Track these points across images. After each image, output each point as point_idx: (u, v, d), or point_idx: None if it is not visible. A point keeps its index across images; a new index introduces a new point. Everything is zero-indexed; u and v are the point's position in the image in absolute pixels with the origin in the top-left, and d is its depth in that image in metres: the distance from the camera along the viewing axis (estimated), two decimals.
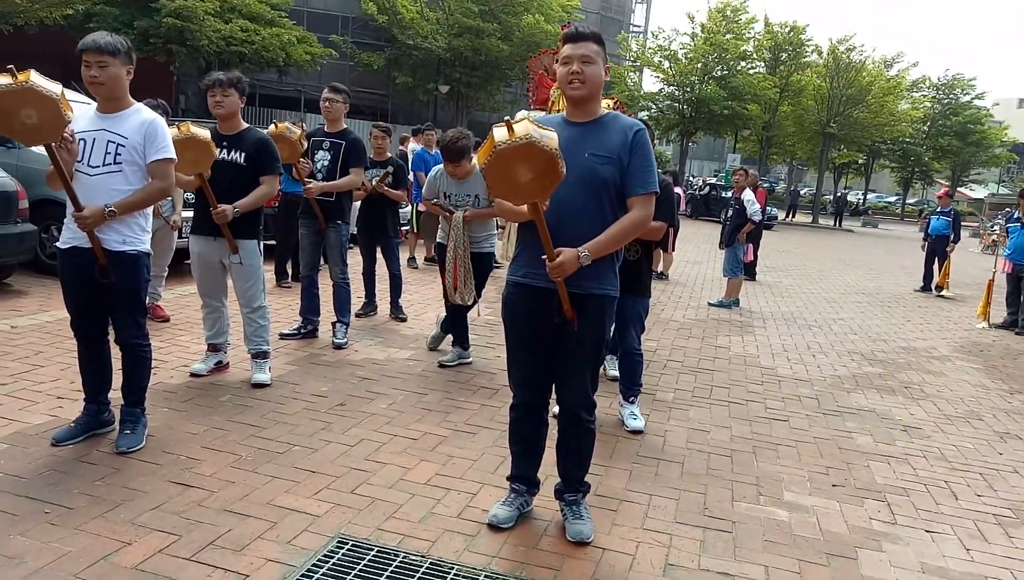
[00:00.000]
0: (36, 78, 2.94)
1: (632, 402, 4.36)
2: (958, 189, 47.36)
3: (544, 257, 2.65)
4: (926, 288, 12.39)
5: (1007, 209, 38.37)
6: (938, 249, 12.21)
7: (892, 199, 57.12)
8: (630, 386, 4.36)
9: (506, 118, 2.51)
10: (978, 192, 49.83)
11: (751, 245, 9.35)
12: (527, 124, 2.49)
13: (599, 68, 2.76)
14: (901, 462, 4.17)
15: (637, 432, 4.21)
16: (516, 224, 8.10)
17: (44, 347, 4.78)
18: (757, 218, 9.10)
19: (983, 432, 4.87)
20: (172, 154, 3.40)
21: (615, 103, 9.59)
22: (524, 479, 3.09)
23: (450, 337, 5.48)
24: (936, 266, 12.30)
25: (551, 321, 2.81)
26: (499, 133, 2.47)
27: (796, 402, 5.18)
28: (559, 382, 2.95)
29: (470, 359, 5.39)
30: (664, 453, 3.98)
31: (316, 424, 3.93)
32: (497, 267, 10.39)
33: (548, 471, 3.22)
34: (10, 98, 2.89)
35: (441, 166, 5.29)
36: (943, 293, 12.07)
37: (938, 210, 12.66)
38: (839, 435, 4.54)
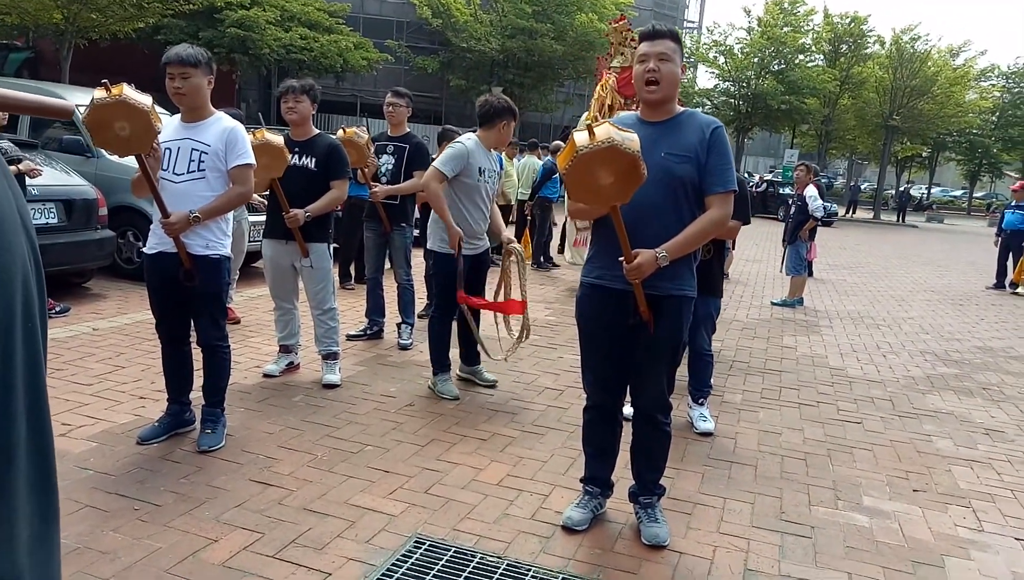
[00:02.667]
0: (129, 91, 3.05)
1: (702, 404, 4.30)
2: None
3: (621, 258, 2.64)
4: (999, 285, 11.93)
5: None
6: (1013, 244, 11.73)
7: (958, 193, 55.21)
8: (699, 387, 4.30)
9: (587, 122, 2.51)
10: (1018, 182, 47.91)
11: (814, 242, 9.13)
12: (608, 127, 2.48)
13: (676, 66, 2.74)
14: (985, 467, 4.02)
15: (707, 434, 4.16)
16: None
17: (125, 349, 4.96)
18: (820, 214, 8.88)
19: None
20: (252, 160, 3.50)
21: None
22: (598, 481, 3.08)
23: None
24: (1011, 262, 11.82)
25: (626, 322, 2.79)
26: (580, 137, 2.47)
27: (869, 404, 5.04)
28: (634, 384, 2.94)
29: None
30: (736, 456, 3.92)
31: (387, 424, 3.98)
32: (555, 267, 10.41)
33: (621, 473, 3.21)
34: (105, 111, 3.01)
35: (474, 137, 4.56)
36: (1018, 290, 11.59)
37: (1013, 204, 12.16)
38: (917, 438, 4.40)
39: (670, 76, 2.73)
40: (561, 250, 10.70)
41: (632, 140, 2.47)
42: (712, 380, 4.46)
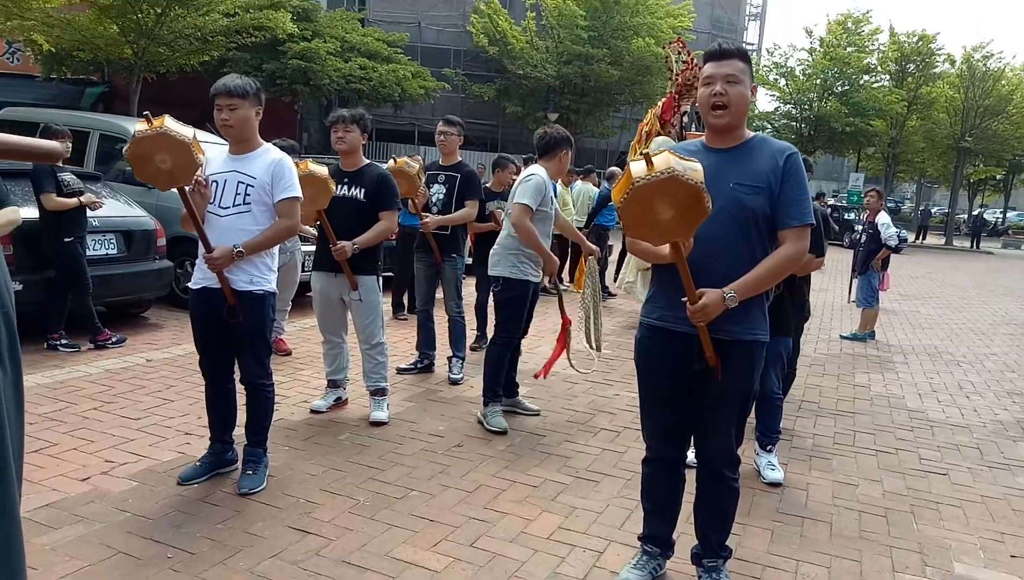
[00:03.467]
0: (170, 123, 3.00)
1: (770, 451, 4.01)
2: None
3: (684, 299, 2.42)
4: None
5: None
6: None
7: None
8: (767, 433, 4.01)
9: (644, 150, 2.30)
10: None
11: (887, 273, 8.66)
12: (668, 156, 2.27)
13: (745, 88, 2.52)
14: None
15: (776, 484, 3.86)
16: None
17: (175, 381, 4.92)
18: (893, 243, 8.43)
19: None
20: (299, 193, 3.41)
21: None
22: (657, 540, 2.84)
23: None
24: None
25: (691, 368, 2.56)
26: (637, 167, 2.26)
27: (954, 452, 4.64)
28: (700, 436, 2.70)
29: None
30: (808, 510, 3.61)
31: (434, 467, 3.81)
32: (611, 297, 10.15)
33: (682, 528, 2.96)
34: (146, 143, 2.96)
35: (543, 171, 4.48)
36: None
37: None
38: (1011, 494, 4.01)
39: (739, 99, 2.51)
40: (615, 279, 10.43)
41: (695, 170, 2.26)
42: (781, 424, 4.16)
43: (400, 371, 5.53)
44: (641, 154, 2.26)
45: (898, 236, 8.62)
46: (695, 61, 8.13)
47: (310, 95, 23.05)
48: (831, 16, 31.58)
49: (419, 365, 5.66)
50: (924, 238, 33.28)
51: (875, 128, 30.05)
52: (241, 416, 3.59)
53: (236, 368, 3.53)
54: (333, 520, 3.15)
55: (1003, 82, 30.34)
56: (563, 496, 3.57)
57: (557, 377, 5.78)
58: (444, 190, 5.51)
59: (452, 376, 5.45)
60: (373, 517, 3.20)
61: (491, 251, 4.60)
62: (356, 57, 23.14)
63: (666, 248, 2.41)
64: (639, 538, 2.90)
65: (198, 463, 3.49)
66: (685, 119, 8.30)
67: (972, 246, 31.86)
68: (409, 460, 3.88)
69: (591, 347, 4.92)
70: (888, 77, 32.16)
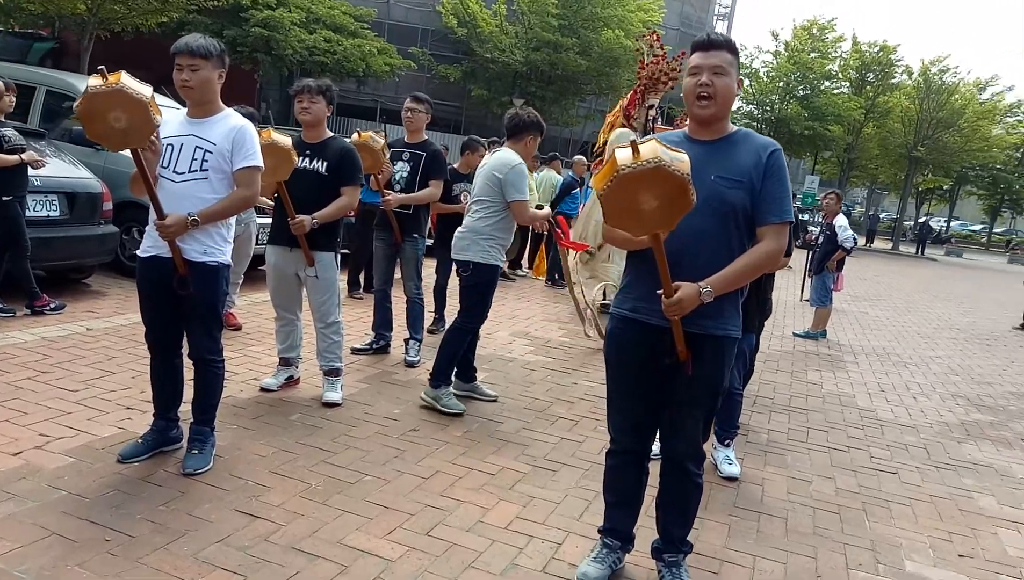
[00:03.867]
0: (127, 80, 2.81)
1: (727, 445, 4.00)
2: None
3: (659, 291, 2.36)
4: None
5: None
6: None
7: (977, 227, 54.51)
8: (726, 428, 4.00)
9: (631, 138, 2.22)
10: None
11: (841, 274, 8.80)
12: (655, 145, 2.19)
13: (732, 80, 2.45)
14: None
15: (732, 479, 3.86)
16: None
17: (117, 352, 4.71)
18: (849, 245, 8.57)
19: None
20: (260, 162, 3.25)
21: (680, 119, 9.26)
22: (618, 534, 2.79)
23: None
24: None
25: (662, 362, 2.51)
26: (622, 155, 2.18)
27: (903, 451, 4.72)
28: (666, 430, 2.65)
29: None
30: (764, 506, 3.61)
31: (388, 451, 3.71)
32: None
33: (640, 522, 2.91)
34: (100, 100, 2.77)
35: (516, 155, 4.40)
36: None
37: None
38: (957, 494, 4.08)
39: (725, 91, 2.44)
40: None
41: (682, 161, 2.19)
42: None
43: (355, 351, 5.39)
44: (629, 141, 2.19)
45: (853, 239, 8.76)
46: (666, 55, 8.12)
47: (271, 64, 22.50)
48: (797, 21, 32.12)
49: (375, 346, 5.52)
50: (872, 242, 34.16)
51: (833, 133, 30.67)
52: (188, 392, 3.43)
53: (184, 342, 3.36)
54: (283, 504, 3.02)
55: (956, 96, 31.20)
56: (521, 485, 3.50)
57: (515, 363, 5.71)
58: (408, 168, 5.37)
59: (408, 358, 5.34)
60: (325, 502, 3.09)
61: (457, 235, 4.45)
62: (321, 29, 22.65)
63: (643, 237, 2.34)
64: (599, 531, 2.85)
65: (140, 440, 3.31)
66: (652, 112, 8.27)
67: (917, 252, 32.82)
68: (363, 443, 3.77)
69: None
70: (848, 84, 32.82)
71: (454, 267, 5.27)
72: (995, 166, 38.05)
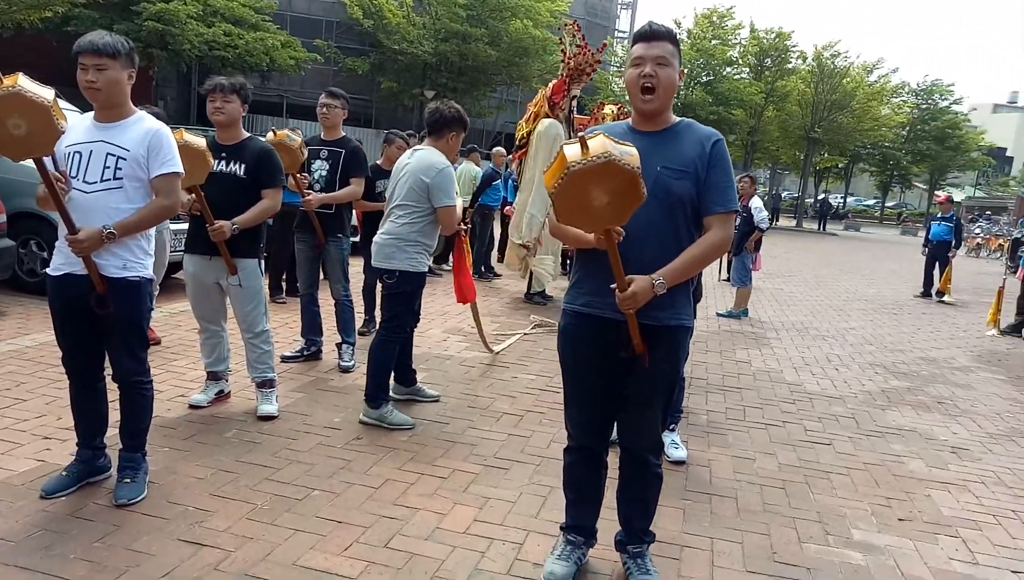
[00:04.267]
0: (25, 82, 2.57)
1: (673, 430, 4.05)
2: (935, 193, 47.87)
3: (613, 286, 2.33)
4: (926, 294, 12.24)
5: (987, 212, 38.89)
6: (939, 254, 12.05)
7: (870, 202, 57.55)
8: (671, 413, 4.04)
9: (580, 134, 2.18)
10: (955, 196, 50.49)
11: (759, 254, 9.10)
12: (603, 139, 2.16)
13: (674, 71, 2.45)
14: (961, 489, 3.90)
15: (680, 463, 3.90)
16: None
17: (26, 377, 4.37)
18: (765, 226, 8.86)
19: None
20: (180, 168, 3.04)
21: (619, 108, 9.37)
22: (581, 530, 2.76)
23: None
24: (936, 271, 12.15)
25: (617, 355, 2.49)
26: (571, 151, 2.13)
27: (834, 422, 4.90)
28: (625, 423, 2.64)
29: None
30: (714, 487, 3.67)
31: (334, 463, 3.57)
32: (497, 277, 10.08)
33: (603, 513, 2.90)
34: None
35: (439, 154, 4.23)
36: (944, 298, 11.92)
37: (938, 216, 12.51)
38: (889, 459, 4.26)
39: (668, 82, 2.43)
40: (501, 259, 10.36)
41: (631, 155, 2.17)
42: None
43: (285, 359, 5.19)
44: (577, 137, 2.15)
45: (767, 219, 9.06)
46: (588, 46, 8.18)
47: (168, 60, 21.44)
48: (698, 10, 33.01)
49: (305, 352, 5.33)
50: (777, 220, 35.56)
51: (736, 117, 31.70)
52: (113, 415, 3.20)
53: (106, 364, 3.13)
54: (229, 529, 2.86)
55: (847, 79, 32.77)
56: (474, 487, 3.44)
57: (452, 360, 5.63)
58: (327, 166, 5.19)
59: (343, 363, 5.17)
60: (274, 522, 2.94)
61: (380, 241, 4.14)
62: (220, 22, 21.70)
63: (598, 233, 2.31)
64: (562, 528, 2.82)
65: (64, 473, 3.07)
66: (574, 103, 8.33)
67: (819, 228, 34.39)
68: (306, 457, 3.62)
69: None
70: (748, 70, 33.96)
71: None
72: (884, 144, 40.26)
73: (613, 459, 2.75)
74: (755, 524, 3.29)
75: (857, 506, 3.58)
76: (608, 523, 2.84)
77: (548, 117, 8.03)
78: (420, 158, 4.14)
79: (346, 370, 5.11)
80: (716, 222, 2.46)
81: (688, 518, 3.30)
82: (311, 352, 5.34)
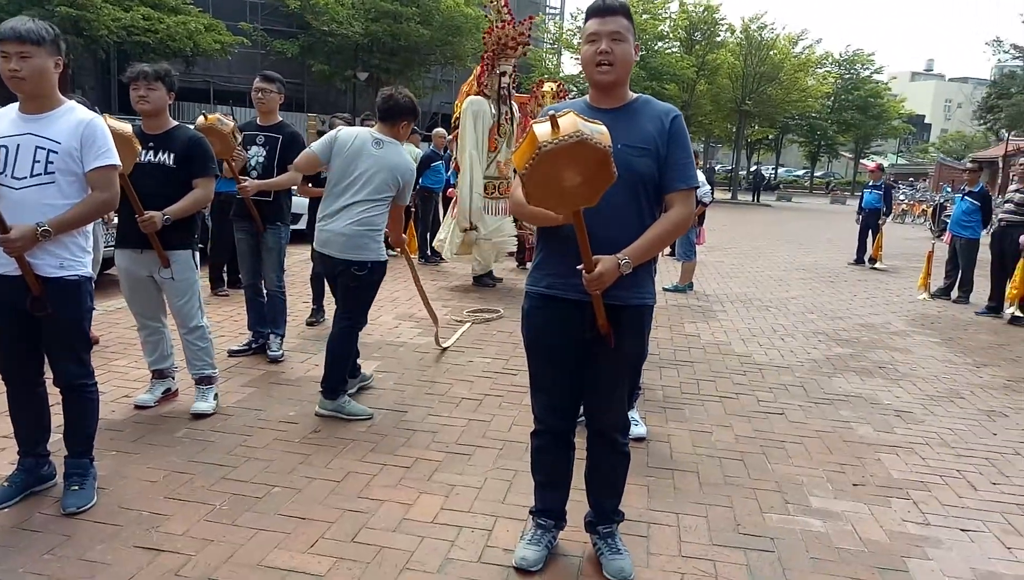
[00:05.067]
0: None
1: (632, 407, 4.07)
2: (860, 161, 49.60)
3: (580, 267, 2.31)
4: (859, 261, 12.65)
5: (910, 179, 40.48)
6: (872, 222, 12.46)
7: (800, 173, 59.22)
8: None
9: (550, 112, 2.14)
10: (873, 163, 52.42)
11: (703, 227, 9.24)
12: (574, 117, 2.12)
13: (630, 46, 2.42)
14: (908, 452, 4.05)
15: (640, 439, 3.94)
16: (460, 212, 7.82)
17: None
18: (708, 200, 8.99)
19: (970, 411, 4.82)
20: (116, 160, 2.89)
21: (558, 86, 9.33)
22: (551, 513, 2.76)
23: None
24: (869, 240, 12.57)
25: (582, 337, 2.48)
26: (541, 130, 2.09)
27: (784, 392, 5.02)
28: (592, 404, 2.63)
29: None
30: (675, 462, 3.72)
31: (293, 458, 3.48)
32: (443, 261, 9.98)
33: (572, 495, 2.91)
34: None
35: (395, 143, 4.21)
36: (876, 265, 12.35)
37: (870, 184, 12.92)
38: (839, 426, 4.39)
39: (624, 57, 2.41)
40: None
41: (602, 133, 2.14)
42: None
43: (232, 354, 5.04)
44: (547, 115, 2.10)
45: (710, 193, 9.20)
46: (513, 20, 8.07)
47: (84, 48, 20.47)
48: None
49: (253, 345, 5.18)
50: (712, 194, 36.25)
51: (670, 92, 32.02)
52: (56, 420, 3.05)
53: (46, 367, 2.97)
54: (188, 532, 2.76)
55: (775, 51, 33.45)
56: (438, 474, 3.41)
57: (406, 347, 5.56)
58: (264, 152, 5.03)
59: (271, 354, 5.03)
60: (235, 523, 2.85)
61: (347, 232, 3.97)
62: (138, 7, 20.80)
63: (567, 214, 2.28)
64: (531, 512, 2.81)
65: (6, 483, 2.91)
66: (505, 80, 8.19)
67: (753, 199, 35.20)
68: (263, 453, 3.52)
69: None
70: (679, 44, 34.33)
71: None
72: (811, 115, 41.39)
73: (580, 440, 2.74)
74: (718, 497, 3.35)
75: (813, 473, 3.68)
76: (576, 504, 2.84)
77: (477, 95, 7.94)
78: (394, 154, 4.08)
79: (274, 360, 4.99)
80: (678, 199, 2.46)
81: (652, 494, 3.33)
82: (259, 345, 5.19)
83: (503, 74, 8.12)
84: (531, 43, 8.56)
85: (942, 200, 11.82)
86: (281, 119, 5.19)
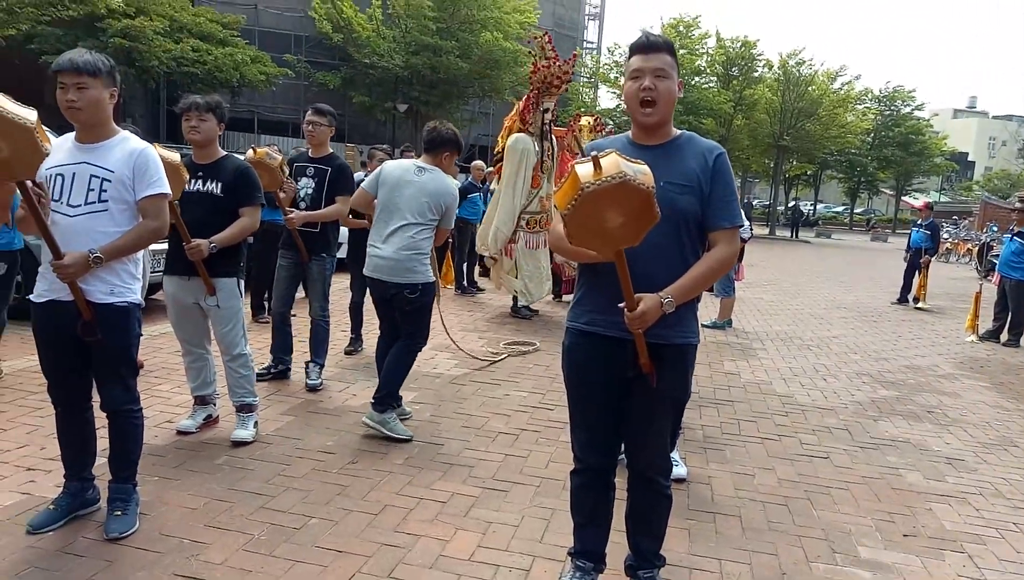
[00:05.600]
0: (7, 103, 2.46)
1: (673, 447, 4.00)
2: (903, 198, 48.83)
3: (621, 305, 2.28)
4: (903, 300, 12.39)
5: (954, 217, 39.70)
6: (919, 261, 12.18)
7: (839, 209, 58.46)
8: None
9: (592, 153, 2.13)
10: (920, 201, 51.54)
11: (742, 264, 9.14)
12: (616, 158, 2.11)
13: (673, 83, 2.42)
14: (961, 502, 3.90)
15: (681, 480, 3.85)
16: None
17: (5, 406, 4.22)
18: (747, 236, 8.88)
19: None
20: (167, 189, 2.96)
21: (595, 120, 9.37)
22: (591, 554, 2.70)
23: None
24: (915, 278, 12.29)
25: (624, 375, 2.44)
26: (583, 171, 2.08)
27: (828, 435, 4.89)
28: (633, 444, 2.58)
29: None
30: (716, 505, 3.63)
31: (330, 488, 3.47)
32: (480, 291, 10.01)
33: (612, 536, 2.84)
34: None
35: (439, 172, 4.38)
36: (920, 305, 12.07)
37: (919, 222, 12.67)
38: (887, 472, 4.26)
39: (667, 95, 2.40)
40: (484, 273, 10.23)
41: (645, 174, 2.12)
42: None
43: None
44: (590, 156, 2.10)
45: (749, 229, 9.10)
46: (558, 57, 8.17)
47: (135, 78, 21.13)
48: (664, 19, 33.43)
49: (272, 370, 5.22)
50: (750, 229, 35.92)
51: (706, 126, 31.99)
52: (101, 444, 3.08)
53: (94, 392, 3.02)
54: (226, 561, 2.76)
55: (813, 87, 33.29)
56: (475, 510, 3.37)
57: (442, 378, 5.55)
58: (313, 184, 5.11)
59: (310, 382, 5.07)
60: (272, 554, 2.84)
61: (397, 257, 4.13)
62: (188, 38, 21.47)
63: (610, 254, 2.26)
64: (570, 553, 2.76)
65: (52, 507, 2.95)
66: (547, 116, 8.30)
67: (792, 235, 34.79)
68: (301, 483, 3.52)
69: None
70: (716, 79, 34.36)
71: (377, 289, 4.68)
72: (851, 151, 40.94)
73: (620, 481, 2.69)
74: (761, 544, 3.25)
75: (861, 522, 3.56)
76: (616, 546, 2.78)
77: (520, 132, 8.03)
78: (435, 180, 4.25)
79: (312, 389, 5.02)
80: (722, 238, 2.43)
81: (694, 538, 3.25)
82: (278, 370, 5.23)
83: (546, 111, 8.23)
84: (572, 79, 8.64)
85: (988, 239, 11.52)
86: (331, 151, 5.29)
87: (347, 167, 5.29)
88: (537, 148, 8.04)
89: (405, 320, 4.29)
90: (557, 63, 8.01)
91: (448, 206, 4.28)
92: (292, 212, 4.93)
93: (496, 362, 5.98)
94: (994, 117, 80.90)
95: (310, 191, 5.11)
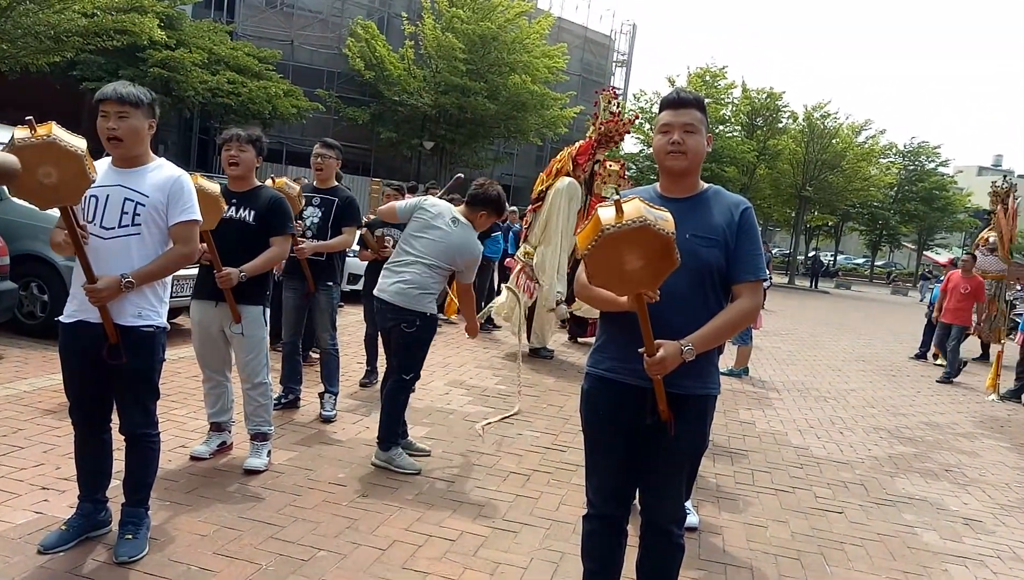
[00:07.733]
0: (59, 132, 2.57)
1: (687, 497, 3.96)
2: (924, 253, 48.48)
3: (641, 350, 2.30)
4: (922, 355, 12.24)
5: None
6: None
7: (860, 261, 58.13)
8: None
9: (615, 197, 2.18)
10: (943, 256, 51.10)
11: (760, 312, 9.11)
12: (638, 203, 2.16)
13: (702, 138, 2.47)
14: (978, 564, 3.82)
15: (692, 529, 3.81)
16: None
17: (23, 424, 4.27)
18: (767, 285, 8.87)
19: None
20: (198, 216, 3.03)
21: (620, 166, 9.48)
22: None
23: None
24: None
25: (642, 423, 2.45)
26: (605, 214, 2.13)
27: (843, 489, 4.82)
28: (647, 492, 2.57)
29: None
30: (728, 556, 3.58)
31: (340, 521, 3.47)
32: (496, 328, 10.04)
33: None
34: (29, 153, 2.51)
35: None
36: (939, 361, 11.89)
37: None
38: (902, 531, 4.19)
39: (696, 149, 2.45)
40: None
41: (666, 220, 2.17)
42: None
43: None
44: (613, 200, 2.15)
45: (769, 279, 9.09)
46: (621, 114, 8.45)
47: (171, 106, 21.66)
48: (691, 68, 33.81)
49: (283, 400, 5.24)
50: (770, 278, 35.81)
51: (729, 175, 32.11)
52: (116, 466, 3.11)
53: (113, 414, 3.06)
54: None
55: (837, 140, 33.38)
56: (484, 550, 3.35)
57: (455, 415, 5.55)
58: (319, 214, 5.20)
59: (324, 413, 5.08)
60: None
61: (402, 289, 4.21)
62: (224, 71, 22.03)
63: (624, 298, 2.30)
64: None
65: (64, 527, 2.97)
66: (596, 167, 8.56)
67: (811, 285, 34.59)
68: (311, 514, 3.52)
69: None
70: (740, 128, 34.58)
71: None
72: (873, 204, 40.86)
73: (631, 528, 2.67)
74: None
75: None
76: None
77: (569, 176, 8.19)
78: (464, 236, 4.35)
79: (327, 420, 5.03)
80: (745, 290, 2.44)
81: None
82: (288, 400, 5.26)
83: (596, 162, 8.50)
84: None
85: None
86: (337, 184, 5.40)
87: (354, 200, 5.38)
88: (582, 196, 8.31)
89: (399, 352, 4.30)
90: (619, 120, 8.31)
91: (466, 263, 4.35)
92: (301, 242, 5.00)
93: (508, 417, 5.84)
94: (1020, 176, 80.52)
95: (316, 220, 5.19)
